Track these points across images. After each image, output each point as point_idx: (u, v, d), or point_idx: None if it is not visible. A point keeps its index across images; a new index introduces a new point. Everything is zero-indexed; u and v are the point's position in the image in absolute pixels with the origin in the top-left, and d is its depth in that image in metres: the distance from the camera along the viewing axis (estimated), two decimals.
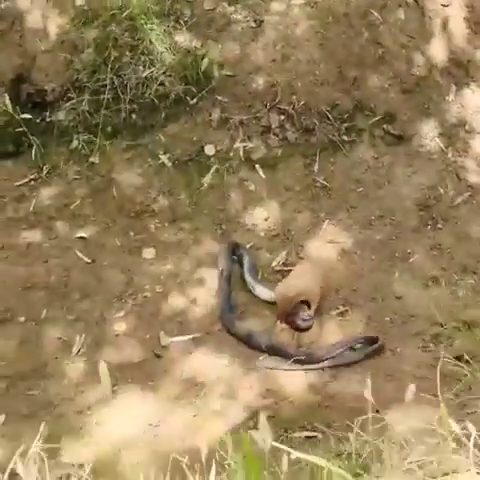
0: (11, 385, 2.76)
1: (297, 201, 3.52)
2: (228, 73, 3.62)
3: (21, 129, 3.54)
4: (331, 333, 2.97)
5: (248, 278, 3.19)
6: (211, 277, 3.22)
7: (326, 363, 2.80)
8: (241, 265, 3.27)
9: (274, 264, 3.28)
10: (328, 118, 3.61)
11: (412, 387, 1.74)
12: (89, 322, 3.00)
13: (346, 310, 3.08)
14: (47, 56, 3.62)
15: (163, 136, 3.61)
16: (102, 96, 3.62)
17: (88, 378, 2.79)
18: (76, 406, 2.67)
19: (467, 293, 3.13)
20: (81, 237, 3.37)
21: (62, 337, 2.93)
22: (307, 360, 2.79)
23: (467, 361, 2.67)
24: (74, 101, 3.61)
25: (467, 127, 3.75)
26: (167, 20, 3.66)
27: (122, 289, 3.16)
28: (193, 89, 3.60)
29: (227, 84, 3.63)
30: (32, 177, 3.60)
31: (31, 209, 3.48)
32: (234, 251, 3.32)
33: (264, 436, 1.49)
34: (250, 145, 3.57)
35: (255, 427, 2.42)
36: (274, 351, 2.89)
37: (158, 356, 2.90)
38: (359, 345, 2.89)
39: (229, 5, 3.71)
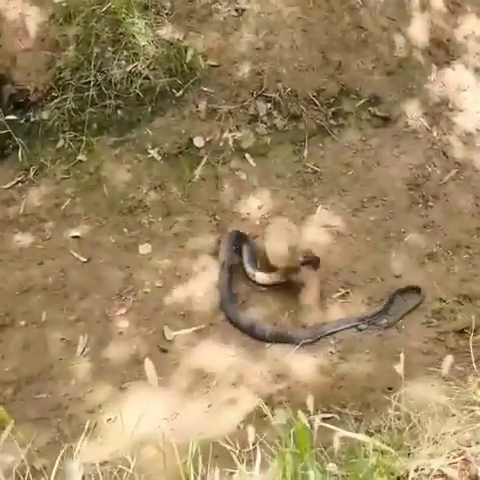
0: (18, 390, 2.69)
1: (289, 188, 3.50)
2: (213, 63, 3.58)
3: (5, 131, 3.46)
4: (335, 315, 2.96)
5: (247, 267, 3.16)
6: (210, 268, 3.18)
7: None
8: (241, 254, 3.24)
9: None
10: (315, 103, 3.60)
11: (449, 358, 1.71)
12: (91, 321, 2.94)
13: (347, 292, 3.07)
14: (28, 55, 3.54)
15: (151, 130, 3.56)
16: (86, 93, 3.55)
17: (95, 377, 2.74)
18: (86, 406, 2.62)
19: (463, 267, 3.15)
20: (75, 237, 3.30)
21: (65, 338, 2.87)
22: (313, 337, 2.80)
23: (472, 333, 2.69)
24: (58, 100, 3.54)
25: (450, 105, 3.77)
26: (148, 13, 3.60)
27: (121, 286, 3.10)
28: (178, 81, 3.55)
29: (212, 74, 3.59)
30: (19, 179, 3.52)
31: (21, 211, 3.40)
32: (235, 241, 3.28)
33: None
34: (239, 134, 3.54)
35: (271, 413, 2.42)
36: (278, 338, 2.87)
37: (164, 351, 2.85)
38: (364, 325, 2.88)
39: None
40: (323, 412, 2.42)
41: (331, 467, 1.58)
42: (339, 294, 3.07)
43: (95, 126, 3.56)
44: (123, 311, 3.00)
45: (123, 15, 3.54)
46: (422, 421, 1.71)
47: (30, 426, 2.54)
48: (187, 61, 3.47)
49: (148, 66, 3.56)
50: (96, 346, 2.85)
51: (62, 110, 3.53)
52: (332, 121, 3.61)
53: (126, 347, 2.86)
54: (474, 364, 2.25)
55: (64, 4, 3.51)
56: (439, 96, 3.75)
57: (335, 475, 1.57)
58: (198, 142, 3.51)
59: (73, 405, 2.64)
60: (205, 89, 3.58)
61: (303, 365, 2.69)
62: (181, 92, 3.55)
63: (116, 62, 3.56)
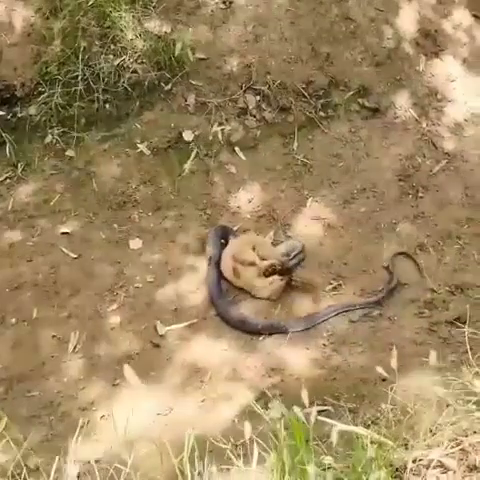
0: (9, 388, 2.64)
1: (279, 180, 3.46)
2: (201, 56, 3.53)
3: None
4: None
5: None
6: (202, 263, 3.14)
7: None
8: None
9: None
10: (304, 96, 3.56)
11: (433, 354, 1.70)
12: (82, 318, 2.90)
13: (339, 284, 3.05)
14: (14, 50, 3.47)
15: (139, 124, 3.51)
16: (74, 88, 3.48)
17: (88, 374, 2.70)
18: (79, 403, 2.58)
19: (454, 258, 3.13)
20: (64, 233, 3.25)
21: (56, 335, 2.82)
22: (306, 325, 2.79)
23: (463, 323, 2.68)
24: (45, 95, 3.47)
25: (439, 96, 3.74)
26: (135, 6, 3.54)
27: (112, 282, 3.05)
28: (167, 75, 3.50)
29: (201, 68, 3.54)
30: (7, 175, 3.46)
31: (10, 208, 3.34)
32: (222, 235, 3.25)
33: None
34: (228, 128, 3.49)
35: (265, 407, 2.39)
36: (271, 329, 2.84)
37: (157, 346, 2.82)
38: (356, 317, 2.86)
39: None
40: (317, 405, 2.39)
41: (329, 460, 1.56)
42: (331, 286, 3.04)
43: (83, 121, 3.50)
44: (114, 307, 2.95)
45: (110, 8, 3.48)
46: (418, 412, 1.69)
47: (23, 424, 2.50)
48: (175, 54, 3.41)
49: (136, 60, 3.50)
50: (88, 343, 2.81)
51: (49, 105, 3.46)
52: (321, 113, 3.57)
53: (118, 343, 2.83)
54: (470, 354, 2.23)
55: None
56: (428, 87, 3.72)
57: (333, 468, 1.55)
58: (187, 136, 3.46)
59: (65, 403, 2.60)
60: (194, 82, 3.53)
61: (296, 358, 2.67)
62: (169, 86, 3.50)
63: (103, 56, 3.50)
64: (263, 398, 2.42)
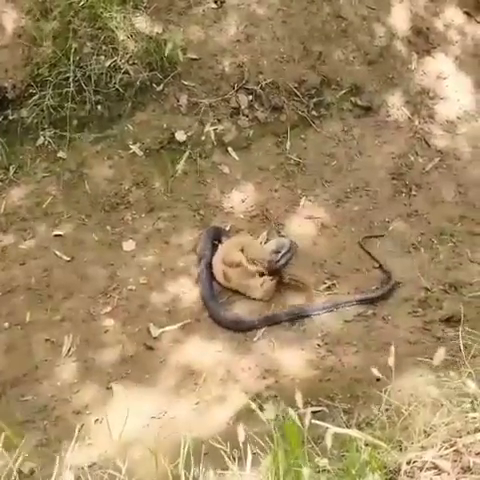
0: (3, 393, 2.62)
1: (272, 180, 3.45)
2: (193, 57, 3.51)
3: None
4: None
5: None
6: (195, 264, 3.13)
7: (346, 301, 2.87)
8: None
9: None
10: (296, 95, 3.55)
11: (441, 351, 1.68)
12: (76, 321, 2.88)
13: (333, 284, 3.03)
14: (4, 52, 3.44)
15: (132, 125, 3.49)
16: (65, 89, 3.46)
17: (82, 377, 2.68)
18: (73, 407, 2.56)
19: (448, 256, 3.12)
20: (57, 235, 3.23)
21: (50, 339, 2.80)
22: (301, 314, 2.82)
23: (457, 322, 2.67)
24: (36, 97, 3.44)
25: (431, 94, 3.74)
26: (126, 7, 3.51)
27: (106, 284, 3.04)
28: (158, 75, 3.48)
29: (192, 68, 3.52)
30: None
31: (2, 211, 3.32)
32: (214, 236, 3.24)
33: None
34: (221, 128, 3.48)
35: (260, 408, 2.38)
36: (268, 320, 2.85)
37: (150, 348, 2.80)
38: (349, 307, 2.86)
39: None
40: (312, 405, 2.39)
41: (323, 463, 1.55)
42: (325, 286, 3.03)
43: (75, 122, 3.48)
44: (108, 309, 2.93)
45: (101, 9, 3.46)
46: (413, 413, 1.68)
47: (17, 429, 2.48)
48: (166, 54, 3.39)
49: (128, 61, 3.48)
50: (82, 346, 2.78)
51: (41, 107, 3.44)
52: (314, 112, 3.56)
53: (112, 346, 2.80)
54: (463, 354, 2.22)
55: None
56: (420, 85, 3.72)
57: (328, 471, 1.54)
58: (180, 136, 3.44)
59: (60, 407, 2.58)
60: (186, 83, 3.51)
61: (291, 359, 2.65)
62: (161, 86, 3.48)
63: (95, 57, 3.47)
64: (258, 399, 2.41)
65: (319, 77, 3.57)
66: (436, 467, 1.41)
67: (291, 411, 1.52)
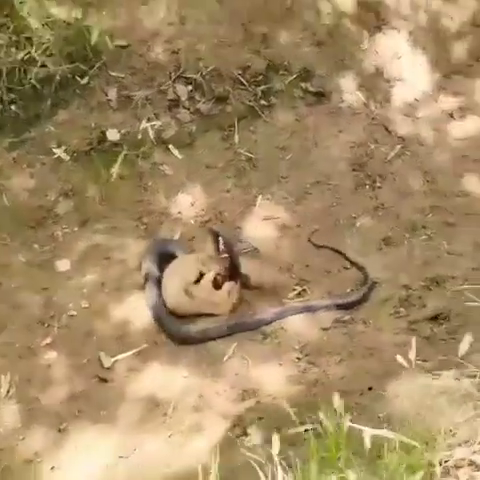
0: None
1: (223, 179, 3.57)
2: (120, 44, 3.59)
3: None
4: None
5: None
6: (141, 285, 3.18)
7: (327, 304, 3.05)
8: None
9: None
10: (241, 83, 3.69)
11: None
12: (12, 357, 2.87)
13: (303, 289, 3.18)
14: None
15: (53, 126, 3.52)
16: None
17: (27, 421, 2.67)
18: (22, 455, 2.56)
19: (424, 249, 3.33)
20: None
21: None
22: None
23: (444, 319, 2.88)
24: None
25: (386, 75, 3.98)
26: None
27: (42, 312, 3.05)
28: (81, 67, 3.54)
29: (120, 57, 3.60)
30: None
31: None
32: (161, 249, 3.30)
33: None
34: (159, 124, 3.56)
35: (244, 434, 2.47)
36: (238, 327, 2.98)
37: (104, 380, 2.83)
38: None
39: None
40: (302, 424, 2.50)
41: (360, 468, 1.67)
42: (295, 293, 3.16)
43: None
44: (48, 341, 2.95)
45: None
46: (429, 414, 1.83)
47: None
48: (93, 42, 3.45)
49: (44, 52, 3.51)
50: (22, 385, 2.78)
51: None
52: (262, 101, 3.71)
53: (58, 382, 2.82)
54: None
55: None
56: (374, 66, 3.95)
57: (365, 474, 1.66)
58: (112, 135, 3.50)
59: (6, 456, 2.57)
60: (114, 74, 3.58)
61: (269, 376, 2.75)
62: (86, 79, 3.54)
63: (4, 50, 3.49)
64: (240, 425, 2.49)
65: (265, 62, 3.74)
66: (472, 464, 1.55)
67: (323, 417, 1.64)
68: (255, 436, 2.43)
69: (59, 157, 3.44)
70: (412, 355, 1.83)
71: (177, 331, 2.98)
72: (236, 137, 3.64)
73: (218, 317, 3.05)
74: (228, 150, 3.62)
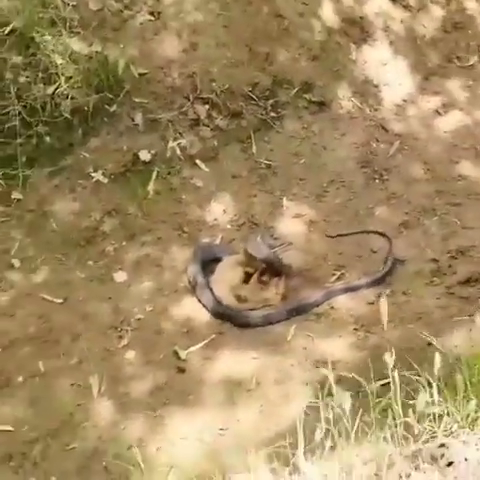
0: (46, 446, 2.85)
1: (248, 186, 4.00)
2: (140, 72, 4.00)
3: None
4: None
5: None
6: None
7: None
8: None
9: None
10: (252, 98, 4.16)
11: None
12: (95, 360, 3.17)
13: (342, 273, 3.62)
14: None
15: (87, 152, 3.88)
16: (7, 125, 3.79)
17: (124, 413, 2.98)
18: (127, 442, 2.83)
19: (439, 228, 3.83)
20: (37, 281, 3.51)
21: (75, 383, 3.07)
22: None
23: (475, 281, 3.37)
24: None
25: (375, 81, 4.52)
26: (57, 28, 3.94)
27: (111, 319, 3.37)
28: (108, 96, 3.92)
29: (141, 84, 4.01)
30: None
31: None
32: (204, 256, 3.67)
33: None
34: (184, 141, 3.98)
35: (329, 394, 2.86)
36: (296, 311, 3.39)
37: (183, 371, 3.17)
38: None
39: (116, 2, 4.10)
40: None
41: None
42: (335, 277, 3.60)
43: (24, 159, 3.80)
44: (125, 342, 3.27)
45: (33, 34, 3.86)
46: None
47: (74, 478, 2.75)
48: (120, 72, 3.85)
49: (71, 85, 3.89)
50: (110, 383, 3.08)
51: None
52: (272, 113, 4.19)
53: (142, 377, 3.14)
54: None
55: None
56: (363, 74, 4.49)
57: None
58: (144, 156, 3.89)
59: (111, 446, 2.86)
60: (137, 100, 3.98)
61: (334, 347, 3.14)
62: (113, 107, 3.92)
63: (34, 86, 3.85)
64: (322, 388, 2.87)
65: (270, 78, 4.22)
66: None
67: None
68: (339, 396, 2.81)
69: (98, 180, 3.81)
70: None
71: (241, 317, 3.37)
72: (254, 148, 4.09)
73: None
74: (248, 160, 4.07)
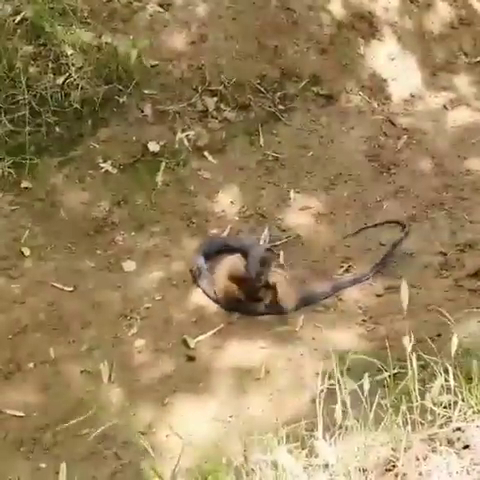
0: (57, 432, 2.92)
1: (255, 178, 4.07)
2: (150, 64, 4.07)
3: None
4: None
5: None
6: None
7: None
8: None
9: (261, 242, 3.78)
10: (260, 91, 4.23)
11: None
12: (105, 348, 3.24)
13: (350, 265, 3.69)
14: None
15: (97, 143, 3.95)
16: (17, 114, 3.86)
17: (133, 400, 3.04)
18: (136, 428, 2.89)
19: (446, 222, 3.90)
20: (47, 269, 3.58)
21: (85, 369, 3.14)
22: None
23: None
24: None
25: (383, 76, 4.60)
26: (67, 19, 4.01)
27: (121, 307, 3.43)
28: (117, 87, 3.99)
29: (151, 75, 4.08)
30: None
31: None
32: (210, 250, 3.74)
33: None
34: (192, 133, 4.05)
35: (338, 383, 2.92)
36: (306, 300, 3.47)
37: (192, 359, 3.24)
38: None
39: None
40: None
41: None
42: (343, 269, 3.67)
43: (33, 149, 3.87)
44: (135, 330, 3.33)
45: (42, 23, 3.93)
46: None
47: (85, 464, 2.82)
48: (132, 63, 3.92)
49: (81, 76, 3.96)
50: (120, 370, 3.15)
51: None
52: (280, 106, 4.26)
53: (151, 364, 3.20)
54: None
55: None
56: (371, 68, 4.57)
57: None
58: (153, 147, 3.96)
59: (122, 432, 2.92)
60: (146, 91, 4.06)
61: (343, 338, 3.19)
62: (123, 98, 3.99)
63: (44, 76, 3.92)
64: (332, 376, 2.94)
65: (278, 71, 4.29)
66: None
67: None
68: (349, 384, 2.88)
69: (107, 170, 3.88)
70: None
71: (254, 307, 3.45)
72: (261, 140, 4.16)
73: None
74: (256, 152, 4.14)
